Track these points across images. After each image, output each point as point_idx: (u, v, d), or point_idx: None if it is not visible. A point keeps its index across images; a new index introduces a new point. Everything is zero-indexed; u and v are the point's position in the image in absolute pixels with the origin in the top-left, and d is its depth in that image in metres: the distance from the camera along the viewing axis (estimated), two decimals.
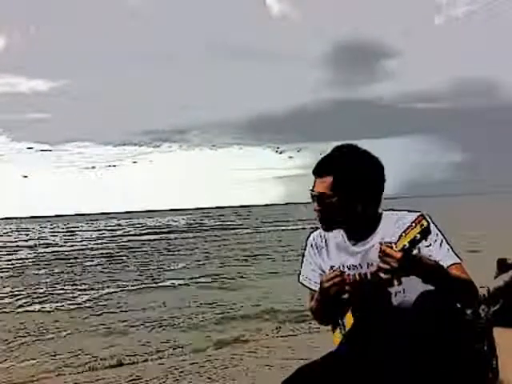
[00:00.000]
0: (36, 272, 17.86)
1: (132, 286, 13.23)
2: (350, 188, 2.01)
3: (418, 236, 1.77)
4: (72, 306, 10.79)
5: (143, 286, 13.20)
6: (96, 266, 18.96)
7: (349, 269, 2.08)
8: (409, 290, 1.97)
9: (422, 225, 1.76)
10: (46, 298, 12.09)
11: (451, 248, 2.00)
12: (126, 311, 9.92)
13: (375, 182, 2.06)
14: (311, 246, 2.22)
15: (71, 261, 21.23)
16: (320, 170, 2.07)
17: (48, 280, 15.49)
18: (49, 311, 10.52)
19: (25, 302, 11.63)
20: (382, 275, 1.86)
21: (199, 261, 18.55)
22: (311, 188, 2.09)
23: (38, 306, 11.08)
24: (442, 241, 1.99)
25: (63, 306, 11.01)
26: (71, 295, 12.36)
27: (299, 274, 2.25)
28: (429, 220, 1.80)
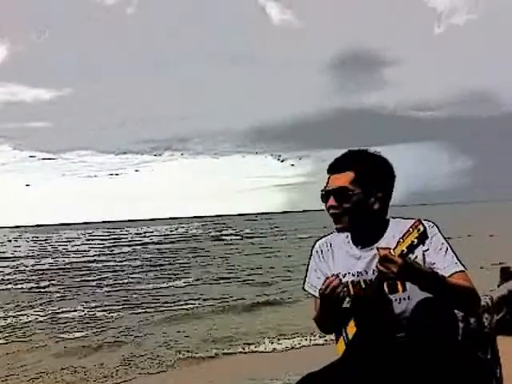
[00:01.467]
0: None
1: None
2: (371, 183, 2.03)
3: (416, 241, 1.79)
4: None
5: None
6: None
7: (354, 275, 2.08)
8: (413, 296, 1.97)
9: (419, 229, 1.78)
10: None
11: (456, 256, 2.00)
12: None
13: (392, 179, 2.10)
14: (317, 252, 2.22)
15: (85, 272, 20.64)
16: (339, 166, 2.07)
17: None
18: None
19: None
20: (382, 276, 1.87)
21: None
22: (324, 186, 2.09)
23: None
24: (446, 249, 2.00)
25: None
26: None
27: (304, 281, 2.25)
28: (426, 225, 1.82)
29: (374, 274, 2.01)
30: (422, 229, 1.78)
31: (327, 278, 2.02)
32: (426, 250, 1.97)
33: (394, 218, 2.11)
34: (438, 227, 2.02)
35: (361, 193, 2.02)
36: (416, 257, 1.90)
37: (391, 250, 1.81)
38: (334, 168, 2.08)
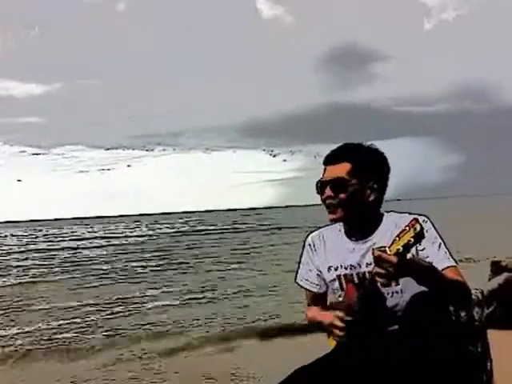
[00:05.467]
0: None
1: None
2: (367, 174, 2.03)
3: (412, 240, 1.76)
4: None
5: None
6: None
7: (346, 268, 2.08)
8: (406, 290, 1.99)
9: (416, 229, 1.75)
10: None
11: (448, 251, 2.01)
12: None
13: (387, 171, 2.11)
14: (309, 245, 2.22)
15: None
16: (336, 157, 2.07)
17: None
18: None
19: None
20: (377, 279, 1.86)
21: None
22: (320, 177, 2.09)
23: None
24: (439, 244, 2.01)
25: None
26: None
27: (296, 274, 2.26)
28: (422, 224, 1.79)
29: (367, 267, 2.01)
30: (418, 228, 1.75)
31: (339, 317, 1.96)
32: (421, 250, 1.97)
33: (387, 211, 2.12)
34: (431, 221, 2.03)
35: (357, 184, 2.02)
36: (412, 255, 1.89)
37: (387, 248, 1.79)
38: (331, 159, 2.08)
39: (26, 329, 8.71)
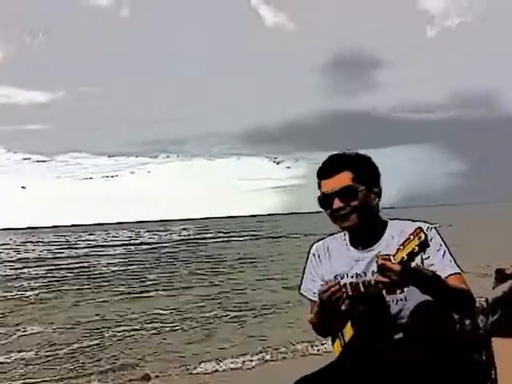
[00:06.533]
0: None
1: None
2: (368, 179, 2.05)
3: (416, 248, 1.77)
4: None
5: None
6: None
7: (352, 277, 2.08)
8: (410, 298, 1.99)
9: (420, 237, 1.76)
10: None
11: (453, 259, 2.01)
12: None
13: (380, 175, 2.11)
14: (313, 255, 2.21)
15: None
16: (334, 168, 2.04)
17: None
18: None
19: None
20: (380, 286, 1.86)
21: None
22: (322, 191, 2.06)
23: None
24: (444, 251, 2.01)
25: None
26: None
27: (300, 284, 2.25)
28: (427, 232, 1.79)
29: (372, 275, 2.00)
30: (423, 237, 1.75)
31: (327, 282, 2.00)
32: (426, 258, 1.96)
33: (391, 219, 2.12)
34: (436, 229, 2.03)
35: (364, 189, 2.03)
36: (417, 264, 1.88)
37: (391, 257, 1.80)
38: (328, 171, 2.05)
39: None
